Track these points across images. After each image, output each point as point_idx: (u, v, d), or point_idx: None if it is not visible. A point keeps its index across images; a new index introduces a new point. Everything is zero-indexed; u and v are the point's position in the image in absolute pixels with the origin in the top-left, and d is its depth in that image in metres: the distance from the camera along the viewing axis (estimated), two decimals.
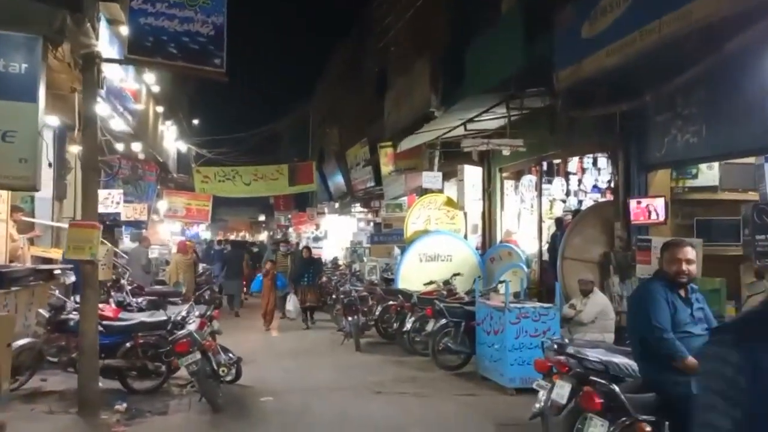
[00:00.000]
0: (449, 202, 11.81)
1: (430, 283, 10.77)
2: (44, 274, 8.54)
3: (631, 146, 7.81)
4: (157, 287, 12.22)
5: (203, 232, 37.86)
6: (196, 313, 7.24)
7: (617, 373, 4.04)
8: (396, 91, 13.94)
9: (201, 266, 17.42)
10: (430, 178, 11.44)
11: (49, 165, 8.52)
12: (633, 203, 7.61)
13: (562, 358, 4.27)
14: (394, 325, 9.50)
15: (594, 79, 6.83)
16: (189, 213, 18.69)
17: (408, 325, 8.75)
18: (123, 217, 12.34)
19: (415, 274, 11.40)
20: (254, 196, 23.06)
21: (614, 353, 4.42)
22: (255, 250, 22.32)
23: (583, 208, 11.56)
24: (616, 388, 3.53)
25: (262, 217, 53.70)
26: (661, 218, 7.44)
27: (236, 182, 18.69)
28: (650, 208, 7.47)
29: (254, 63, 60.20)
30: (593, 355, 4.24)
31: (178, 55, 6.24)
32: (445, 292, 10.31)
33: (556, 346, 4.53)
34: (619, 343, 6.68)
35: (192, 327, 6.65)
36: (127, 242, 15.46)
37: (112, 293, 8.92)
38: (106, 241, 13.16)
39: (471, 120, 9.47)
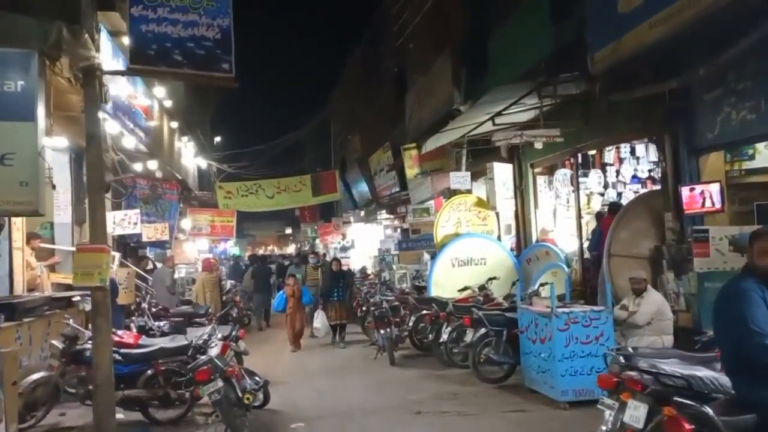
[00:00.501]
0: (480, 203, 11.21)
1: (465, 288, 10.17)
2: (62, 301, 8.21)
3: (678, 129, 7.13)
4: (183, 308, 11.88)
5: (231, 248, 37.87)
6: (219, 336, 6.79)
7: (702, 389, 3.43)
8: (417, 91, 13.45)
9: (229, 283, 17.14)
10: (459, 178, 10.86)
11: (53, 187, 8.15)
12: (685, 191, 6.92)
13: (633, 373, 3.65)
14: (430, 336, 8.92)
15: (635, 57, 6.22)
16: (214, 230, 18.41)
17: (444, 336, 8.17)
18: (144, 238, 12.04)
19: (448, 280, 10.81)
20: (279, 209, 22.74)
21: (692, 363, 3.79)
22: (286, 263, 20.93)
23: (624, 200, 10.91)
24: (709, 411, 2.92)
25: (288, 230, 53.71)
26: (718, 205, 6.75)
27: (259, 196, 18.36)
28: (705, 194, 6.78)
29: (270, 74, 60.21)
30: (669, 367, 3.62)
31: (183, 62, 5.82)
32: (481, 298, 9.71)
33: (622, 359, 3.92)
34: (682, 347, 6.03)
35: (214, 351, 6.19)
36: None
37: (134, 318, 8.55)
38: (128, 263, 12.99)
39: (499, 113, 8.88)
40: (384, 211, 21.19)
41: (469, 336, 7.43)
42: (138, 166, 11.43)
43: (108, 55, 6.30)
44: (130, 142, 7.81)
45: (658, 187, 11.27)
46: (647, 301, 6.65)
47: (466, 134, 10.63)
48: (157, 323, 8.34)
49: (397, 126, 17.31)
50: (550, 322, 6.35)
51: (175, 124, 10.49)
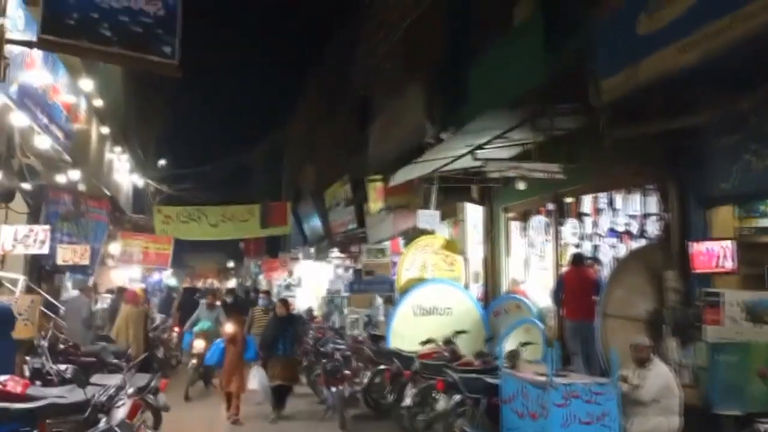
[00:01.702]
0: (448, 245, 10.18)
1: (428, 341, 8.99)
2: None
3: (687, 175, 6.33)
4: (99, 345, 10.15)
5: (168, 278, 35.45)
6: (130, 390, 5.32)
7: None
8: (383, 120, 12.48)
9: (159, 317, 15.34)
10: (427, 217, 9.83)
11: None
12: (696, 248, 6.07)
13: None
14: (389, 396, 7.63)
15: (652, 86, 5.39)
16: (147, 257, 16.65)
17: (408, 399, 6.92)
18: (59, 260, 10.33)
19: (408, 330, 9.62)
20: (223, 240, 21.09)
21: None
22: (228, 300, 15.69)
23: (601, 254, 10.13)
24: None
25: (231, 264, 51.32)
26: (731, 266, 5.92)
27: (201, 223, 16.87)
28: (719, 253, 5.94)
29: (221, 90, 58.04)
30: None
31: (113, 38, 4.59)
32: (447, 354, 8.54)
33: None
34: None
35: (120, 414, 4.76)
36: (72, 292, 13.37)
37: (27, 358, 6.91)
38: (37, 290, 11.14)
39: (481, 147, 7.93)
40: (336, 249, 19.89)
41: (442, 403, 6.21)
42: (60, 178, 9.88)
43: (19, 24, 4.98)
44: (43, 143, 6.38)
45: (636, 243, 10.69)
46: (654, 373, 5.66)
47: (438, 169, 9.66)
48: (57, 367, 6.73)
49: (357, 158, 16.24)
50: (544, 395, 5.24)
51: (106, 130, 9.03)
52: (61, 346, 9.25)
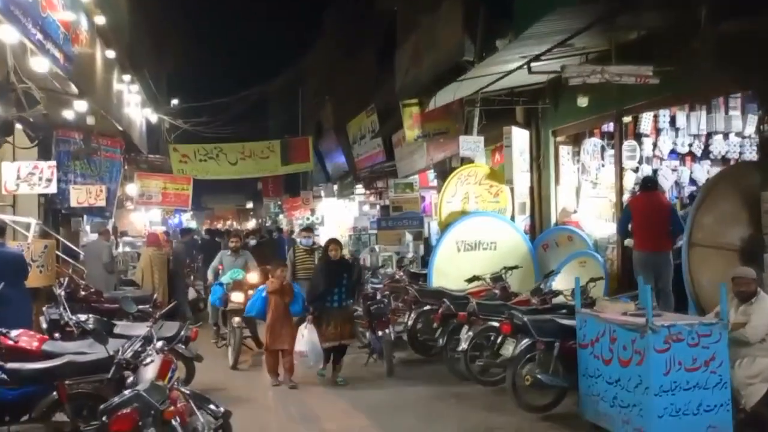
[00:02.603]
0: (492, 175, 9.26)
1: (474, 279, 8.29)
2: None
3: None
4: (123, 290, 9.60)
5: (187, 221, 35.13)
6: (159, 344, 4.64)
7: None
8: (415, 40, 11.31)
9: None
10: (469, 143, 8.87)
11: None
12: None
13: None
14: (439, 339, 6.94)
15: None
16: (166, 198, 15.97)
17: (464, 344, 6.21)
18: (73, 202, 9.65)
19: (452, 267, 8.89)
20: (242, 178, 20.32)
21: None
22: (252, 242, 15.03)
23: (661, 179, 9.16)
24: None
25: (250, 204, 50.93)
26: None
27: (220, 161, 16.03)
28: None
29: (236, 16, 54.92)
30: None
31: None
32: (497, 292, 7.83)
33: None
34: None
35: (148, 373, 4.07)
36: (91, 236, 12.80)
37: (44, 309, 6.28)
38: (52, 234, 10.53)
39: (538, 58, 6.87)
40: (360, 186, 19.06)
41: (509, 347, 5.48)
42: (67, 114, 9.02)
43: None
44: (41, 65, 5.49)
45: (701, 164, 9.69)
46: (760, 308, 4.84)
47: (483, 89, 8.61)
48: (76, 317, 6.09)
49: (383, 87, 15.14)
50: (640, 338, 4.45)
51: (112, 54, 8.06)
52: (82, 293, 8.69)
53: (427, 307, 7.69)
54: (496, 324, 6.10)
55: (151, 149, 15.17)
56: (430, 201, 16.29)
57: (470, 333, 6.24)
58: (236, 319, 7.94)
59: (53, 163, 6.97)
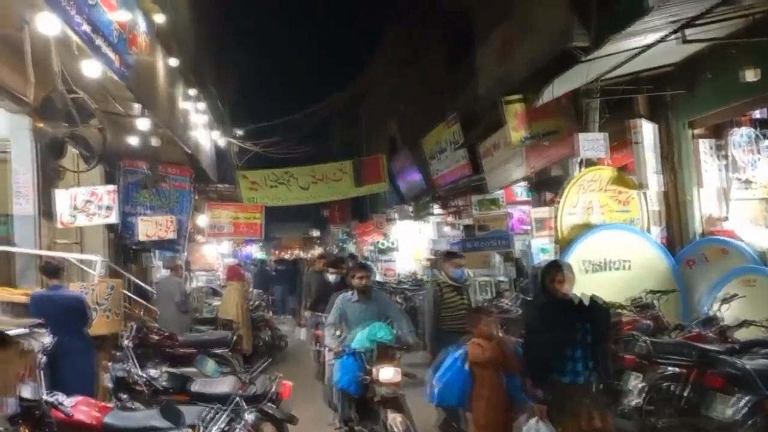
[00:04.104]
0: (619, 179, 7.72)
1: (612, 305, 6.75)
2: None
3: None
4: (197, 335, 8.61)
5: (257, 252, 34.83)
6: (250, 418, 3.42)
7: None
8: (502, 35, 10.01)
9: (255, 293, 13.93)
10: (590, 142, 7.42)
11: None
12: None
13: None
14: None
15: None
16: (237, 228, 15.17)
17: (637, 397, 4.69)
18: (141, 236, 8.80)
19: (576, 292, 7.36)
20: (307, 207, 19.41)
21: None
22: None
23: None
24: None
25: (316, 232, 50.60)
26: None
27: (291, 187, 15.12)
28: None
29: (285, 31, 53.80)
30: None
31: None
32: (648, 323, 6.27)
33: None
34: None
35: None
36: (162, 272, 12.02)
37: (109, 364, 5.24)
38: (121, 271, 9.71)
39: (692, 22, 5.39)
40: (437, 205, 17.72)
41: (721, 407, 3.94)
42: (134, 141, 8.21)
43: None
44: (92, 69, 4.54)
45: None
46: None
47: (602, 75, 7.15)
48: (146, 373, 5.01)
49: (460, 94, 13.88)
50: None
51: (175, 63, 7.18)
52: (155, 338, 7.72)
53: None
54: (676, 369, 4.56)
55: (219, 177, 14.43)
56: (520, 217, 14.81)
57: (643, 383, 4.71)
58: (398, 419, 4.82)
59: (112, 187, 6.05)
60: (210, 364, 3.97)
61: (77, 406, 3.93)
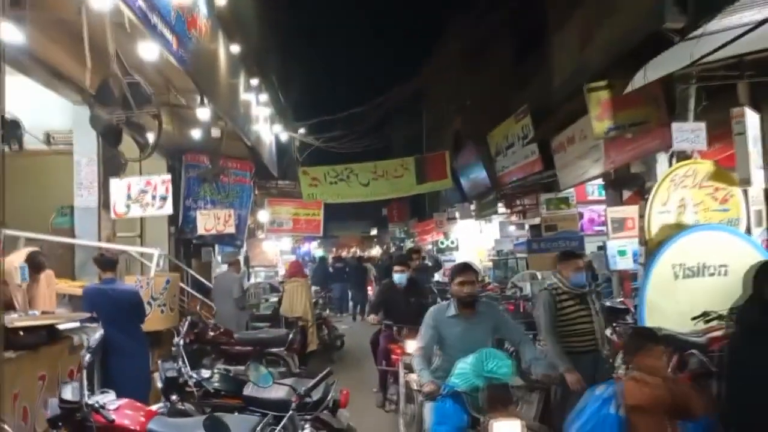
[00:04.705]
0: (717, 175, 6.87)
1: (704, 316, 5.99)
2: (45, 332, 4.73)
3: None
4: (253, 333, 8.34)
5: (315, 249, 34.94)
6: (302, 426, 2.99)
7: None
8: (582, 16, 9.27)
9: (313, 290, 13.68)
10: (686, 133, 6.61)
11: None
12: None
13: None
14: None
15: None
16: (297, 225, 14.99)
17: None
18: (200, 230, 8.63)
19: (668, 300, 6.55)
20: (367, 205, 19.04)
21: None
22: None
23: None
24: None
25: (374, 231, 50.49)
26: None
27: (351, 183, 14.80)
28: None
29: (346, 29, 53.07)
30: None
31: None
32: None
33: None
34: None
35: None
36: (222, 267, 11.92)
37: (159, 362, 4.95)
38: (180, 265, 9.59)
39: None
40: (501, 204, 16.96)
41: None
42: (194, 132, 8.04)
43: None
44: (149, 51, 4.26)
45: None
46: None
47: (703, 58, 6.33)
48: (198, 373, 4.69)
49: (530, 86, 13.13)
50: None
51: (237, 50, 6.90)
52: (210, 334, 7.51)
53: None
54: None
55: (280, 173, 14.27)
56: (591, 217, 13.94)
57: None
58: None
59: (167, 176, 5.78)
60: (263, 373, 3.58)
61: (121, 410, 3.62)
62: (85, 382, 3.58)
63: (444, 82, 20.52)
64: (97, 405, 3.45)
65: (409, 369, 5.14)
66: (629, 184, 10.80)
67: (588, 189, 13.15)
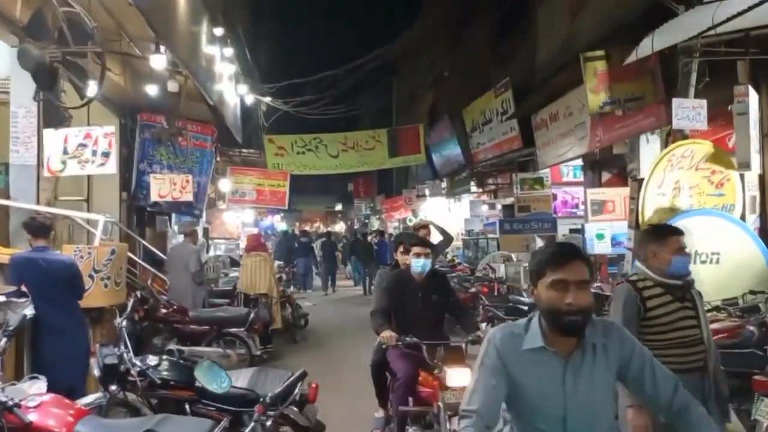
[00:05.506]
0: (715, 157, 6.47)
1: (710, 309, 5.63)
2: None
3: None
4: (210, 311, 7.65)
5: (278, 222, 34.07)
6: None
7: None
8: None
9: (277, 264, 13.02)
10: (687, 110, 6.15)
11: None
12: None
13: None
14: None
15: None
16: (261, 196, 14.21)
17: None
18: (154, 196, 7.84)
19: None
20: (338, 174, 18.25)
21: None
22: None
23: None
24: None
25: (339, 206, 49.79)
26: None
27: (320, 154, 14.09)
28: None
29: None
30: None
31: None
32: (753, 329, 5.11)
33: None
34: None
35: None
36: (178, 238, 11.11)
37: (97, 346, 4.24)
38: (132, 234, 8.75)
39: None
40: (473, 182, 16.52)
41: None
42: (149, 88, 7.22)
43: None
44: None
45: None
46: None
47: (709, 29, 5.87)
48: (142, 361, 4.02)
49: (510, 62, 12.62)
50: None
51: None
52: (163, 311, 6.83)
53: None
54: None
55: (244, 140, 13.41)
56: (564, 199, 13.65)
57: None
58: None
59: (110, 128, 4.94)
60: (218, 376, 2.95)
61: (43, 408, 2.95)
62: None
63: (419, 53, 19.79)
64: (10, 403, 2.78)
65: (454, 411, 3.68)
66: (608, 165, 10.45)
67: (563, 170, 12.82)
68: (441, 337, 4.42)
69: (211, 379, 3.05)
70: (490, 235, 15.17)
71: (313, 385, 4.12)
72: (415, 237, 5.00)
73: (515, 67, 11.99)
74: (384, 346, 4.43)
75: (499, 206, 15.37)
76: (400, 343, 4.23)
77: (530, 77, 10.80)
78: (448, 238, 6.84)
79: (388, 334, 4.24)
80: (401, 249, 5.00)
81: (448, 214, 19.32)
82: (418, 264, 4.52)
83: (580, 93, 8.30)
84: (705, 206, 6.53)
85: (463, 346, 4.13)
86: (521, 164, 12.64)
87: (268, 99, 12.63)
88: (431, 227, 6.54)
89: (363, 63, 11.39)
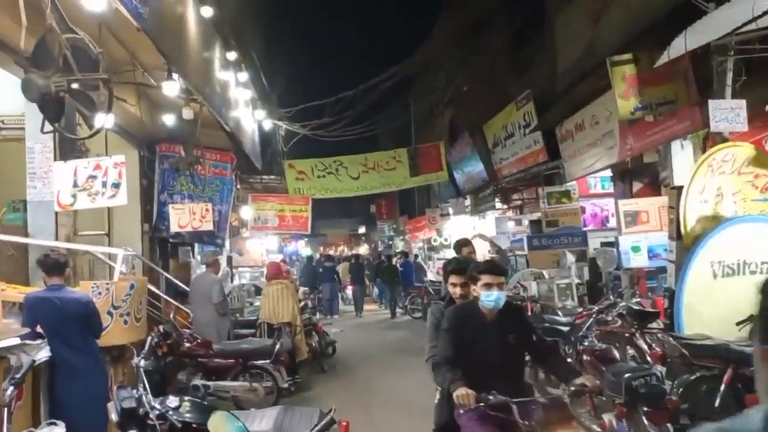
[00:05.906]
0: (758, 160, 6.09)
1: (751, 320, 5.14)
2: None
3: None
4: (239, 341, 7.44)
5: (303, 248, 33.98)
6: None
7: None
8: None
9: (301, 291, 12.78)
10: (725, 111, 5.81)
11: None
12: None
13: None
14: None
15: None
16: (283, 222, 14.04)
17: None
18: (174, 226, 7.68)
19: (706, 302, 5.82)
20: (360, 196, 18.06)
21: None
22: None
23: None
24: None
25: (362, 229, 49.63)
26: None
27: (341, 176, 13.91)
28: None
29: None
30: None
31: None
32: None
33: None
34: None
35: None
36: (200, 268, 10.97)
37: (114, 389, 4.03)
38: (155, 267, 8.60)
39: None
40: (497, 199, 16.17)
41: None
42: (167, 119, 7.12)
43: None
44: (95, 1, 3.32)
45: None
46: None
47: (743, 26, 5.55)
48: (162, 404, 3.79)
49: (531, 73, 12.35)
50: None
51: (209, 13, 5.95)
52: (187, 345, 6.61)
53: (702, 373, 4.70)
54: None
55: (264, 167, 13.31)
56: (593, 212, 13.24)
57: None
58: None
59: (120, 158, 4.77)
60: (230, 425, 2.69)
61: None
62: (6, 421, 2.69)
63: (436, 70, 19.66)
64: None
65: None
66: (639, 175, 10.05)
67: (590, 182, 12.45)
68: (524, 390, 3.54)
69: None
70: (518, 252, 14.77)
71: (344, 424, 3.83)
72: (482, 264, 3.73)
73: (535, 78, 11.73)
74: (462, 411, 3.35)
75: (525, 222, 14.97)
76: (482, 404, 3.17)
77: (551, 87, 10.52)
78: (501, 253, 6.32)
79: (464, 392, 3.17)
80: (454, 279, 3.95)
81: (473, 232, 18.97)
82: (490, 298, 3.47)
83: (606, 100, 8.01)
84: (750, 212, 6.14)
85: (566, 400, 3.24)
86: (547, 178, 12.30)
87: (285, 124, 12.53)
88: (480, 240, 6.01)
89: (379, 81, 11.21)
